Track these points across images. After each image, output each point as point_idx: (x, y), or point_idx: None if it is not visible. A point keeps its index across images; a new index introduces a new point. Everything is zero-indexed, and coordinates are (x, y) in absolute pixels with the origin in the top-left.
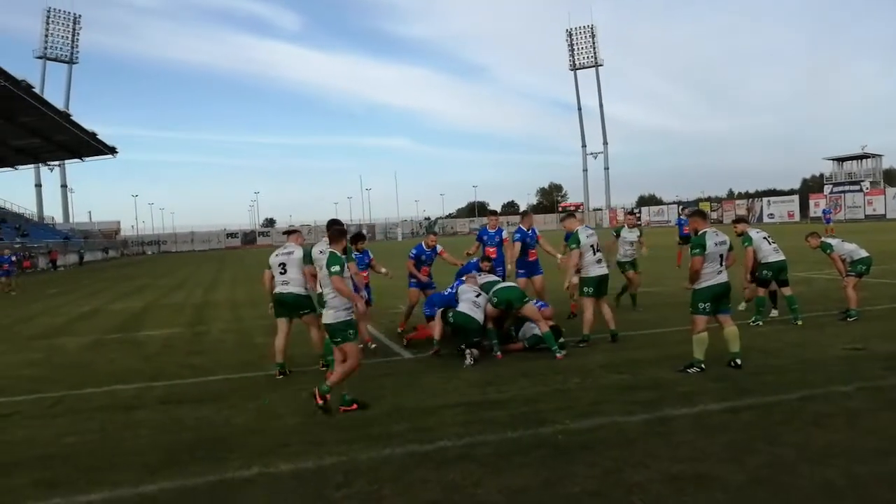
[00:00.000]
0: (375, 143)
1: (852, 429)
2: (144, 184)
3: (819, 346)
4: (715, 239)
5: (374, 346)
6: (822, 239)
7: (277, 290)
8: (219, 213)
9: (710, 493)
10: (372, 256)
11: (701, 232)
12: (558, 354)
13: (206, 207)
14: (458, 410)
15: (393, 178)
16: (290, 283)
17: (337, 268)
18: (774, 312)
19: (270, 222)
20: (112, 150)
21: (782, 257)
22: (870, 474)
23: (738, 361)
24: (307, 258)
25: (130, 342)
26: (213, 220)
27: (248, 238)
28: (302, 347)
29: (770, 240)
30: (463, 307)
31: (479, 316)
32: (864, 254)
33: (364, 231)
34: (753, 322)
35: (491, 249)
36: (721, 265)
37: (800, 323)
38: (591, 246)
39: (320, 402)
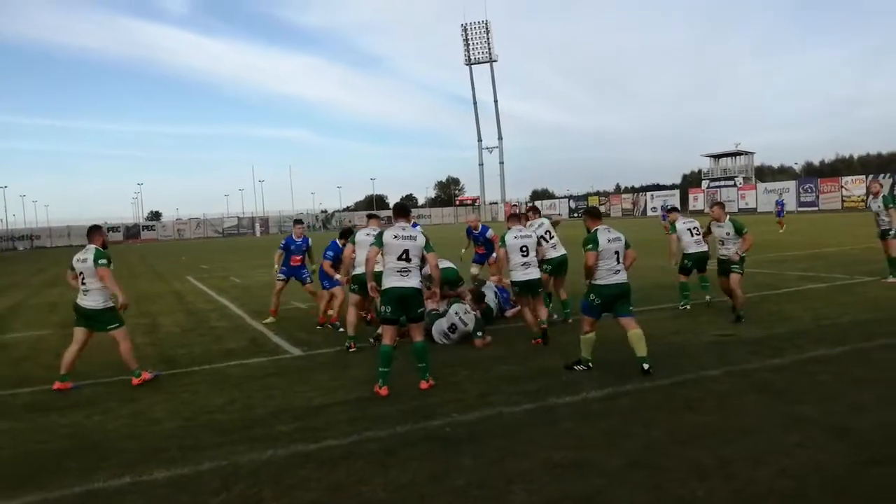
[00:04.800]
0: (269, 134)
1: (720, 411)
2: (15, 174)
3: (693, 333)
4: (608, 235)
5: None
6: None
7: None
8: (99, 206)
9: (589, 479)
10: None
11: (593, 229)
12: (476, 340)
13: (85, 200)
14: (347, 407)
15: (287, 169)
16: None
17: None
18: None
19: (156, 215)
20: None
21: (704, 248)
22: (734, 453)
23: (647, 366)
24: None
25: None
26: (92, 213)
27: (131, 232)
28: (176, 350)
29: (694, 231)
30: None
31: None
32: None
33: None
34: (682, 306)
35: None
36: (618, 263)
37: (688, 307)
38: (520, 248)
39: None
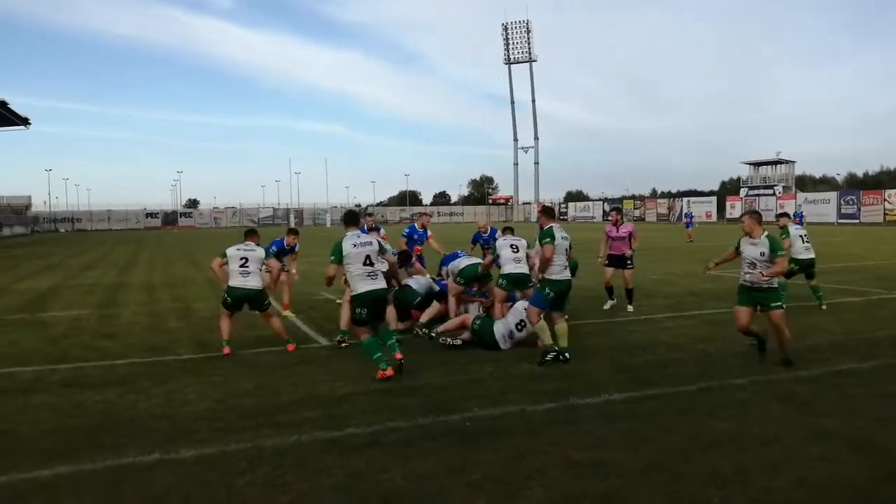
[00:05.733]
0: (307, 127)
1: (741, 419)
2: (60, 158)
3: (722, 341)
4: (561, 233)
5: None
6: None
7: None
8: (139, 191)
9: (607, 479)
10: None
11: (548, 226)
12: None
13: (126, 185)
14: (371, 397)
15: (323, 163)
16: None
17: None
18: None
19: (194, 203)
20: (24, 121)
21: (812, 255)
22: (753, 461)
23: (567, 355)
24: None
25: (35, 323)
26: (132, 198)
27: (170, 219)
28: (209, 335)
29: (805, 238)
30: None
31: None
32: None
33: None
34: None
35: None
36: (566, 260)
37: (824, 307)
38: (510, 245)
39: None
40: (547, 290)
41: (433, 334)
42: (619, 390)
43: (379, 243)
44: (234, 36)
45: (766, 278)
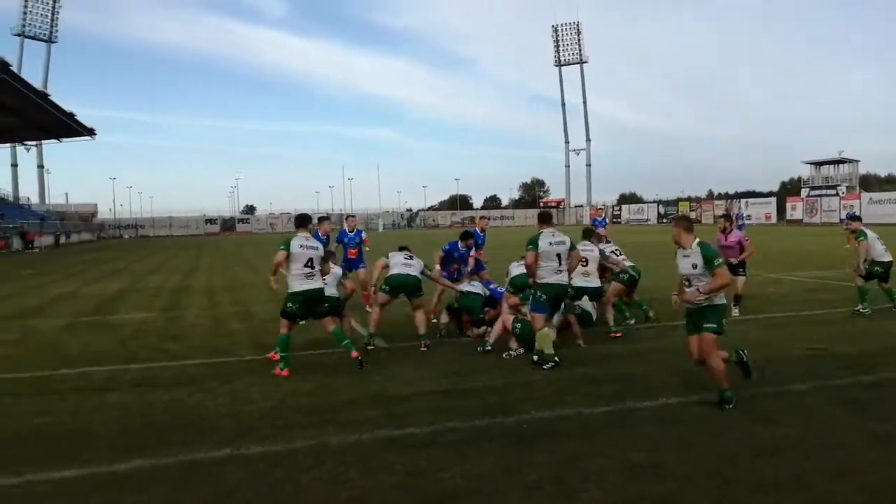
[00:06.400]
0: (358, 133)
1: (802, 425)
2: (123, 167)
3: (780, 345)
4: (550, 239)
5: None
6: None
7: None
8: (198, 198)
9: (663, 482)
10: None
11: (538, 232)
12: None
13: (186, 192)
14: (429, 399)
15: (375, 168)
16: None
17: None
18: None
19: (251, 209)
20: (90, 132)
21: (890, 258)
22: (812, 466)
23: (536, 358)
24: None
25: (105, 325)
26: (192, 204)
27: (228, 224)
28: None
29: (881, 241)
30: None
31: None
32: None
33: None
34: (864, 309)
35: (352, 251)
36: (560, 265)
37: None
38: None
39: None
40: (539, 294)
41: (488, 347)
42: (674, 394)
43: (326, 251)
44: (287, 44)
45: (703, 297)
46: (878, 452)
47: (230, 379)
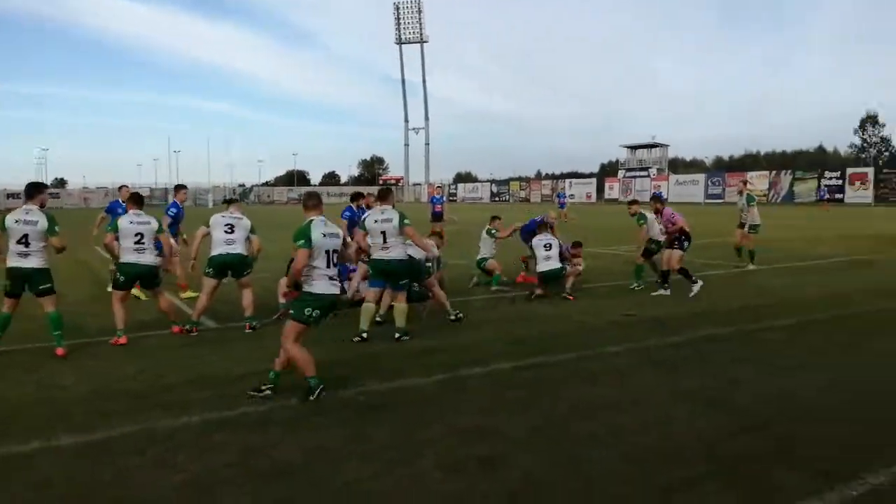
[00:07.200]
0: (187, 103)
1: (618, 384)
2: None
3: (599, 313)
4: (377, 216)
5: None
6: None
7: None
8: None
9: (494, 444)
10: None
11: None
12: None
13: None
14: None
15: (206, 141)
16: None
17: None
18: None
19: (61, 183)
20: None
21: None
22: (628, 422)
23: (404, 334)
24: None
25: None
26: None
27: None
28: (86, 319)
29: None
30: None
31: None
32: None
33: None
34: (637, 287)
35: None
36: (385, 242)
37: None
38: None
39: None
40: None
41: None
42: (506, 360)
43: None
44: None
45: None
46: (682, 407)
47: (37, 366)
